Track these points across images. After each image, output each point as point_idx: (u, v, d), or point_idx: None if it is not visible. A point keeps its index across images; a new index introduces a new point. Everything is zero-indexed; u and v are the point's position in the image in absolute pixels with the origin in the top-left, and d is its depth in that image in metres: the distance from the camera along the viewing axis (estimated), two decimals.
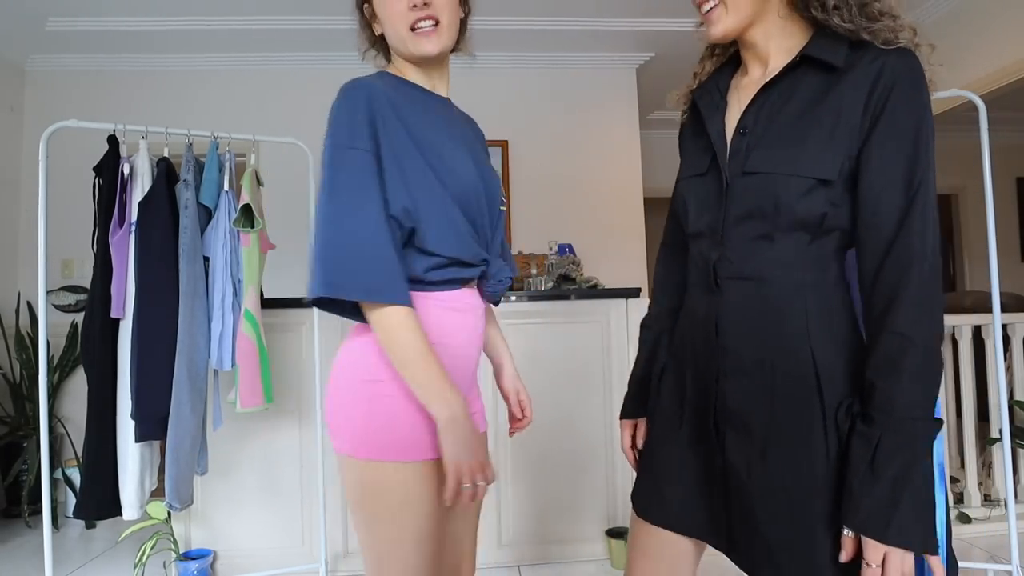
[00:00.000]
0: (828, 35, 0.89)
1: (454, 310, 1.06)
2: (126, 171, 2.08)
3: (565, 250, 3.16)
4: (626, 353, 2.58)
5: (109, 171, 2.09)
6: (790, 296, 0.90)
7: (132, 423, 2.02)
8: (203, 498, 2.48)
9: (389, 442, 0.99)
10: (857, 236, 0.88)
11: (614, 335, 2.59)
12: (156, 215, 2.06)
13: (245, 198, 2.12)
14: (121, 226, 2.06)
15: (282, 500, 2.55)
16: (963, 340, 2.93)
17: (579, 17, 3.63)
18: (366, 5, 1.14)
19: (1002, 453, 2.21)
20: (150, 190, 2.08)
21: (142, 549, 2.35)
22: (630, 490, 1.12)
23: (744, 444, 0.91)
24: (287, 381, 2.50)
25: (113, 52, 3.75)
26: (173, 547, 2.41)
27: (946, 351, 2.97)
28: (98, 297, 2.08)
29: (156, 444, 2.15)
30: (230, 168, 2.19)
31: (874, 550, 0.81)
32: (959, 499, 2.95)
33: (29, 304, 3.53)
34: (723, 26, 0.94)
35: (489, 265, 1.10)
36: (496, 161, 3.80)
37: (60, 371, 3.46)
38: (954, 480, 2.86)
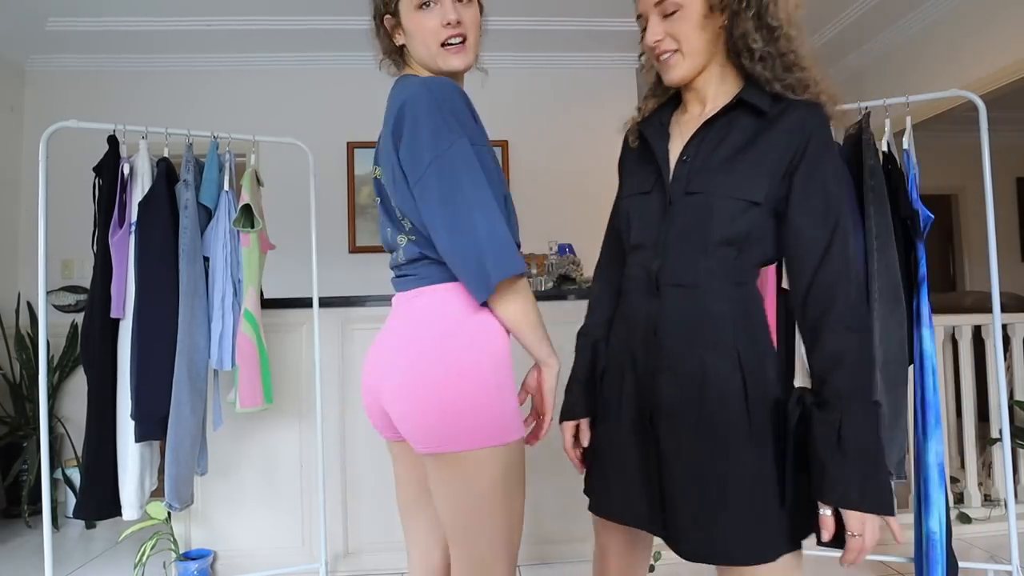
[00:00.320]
0: (756, 85, 1.06)
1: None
2: (126, 171, 2.08)
3: (565, 250, 3.16)
4: None
5: (109, 171, 2.09)
6: (720, 302, 1.03)
7: (132, 423, 2.02)
8: (203, 498, 2.48)
9: (518, 422, 1.11)
10: (788, 260, 1.04)
11: None
12: (156, 215, 2.06)
13: (245, 198, 2.12)
14: (121, 226, 2.06)
15: (282, 500, 2.55)
16: (963, 340, 2.93)
17: (579, 17, 3.63)
18: (387, 16, 1.17)
19: (1002, 453, 2.21)
20: (150, 190, 2.08)
21: (142, 549, 2.35)
22: None
23: (677, 432, 1.03)
24: (287, 381, 2.50)
25: (113, 52, 3.76)
26: (173, 547, 2.41)
27: (946, 351, 2.97)
28: (98, 297, 2.08)
29: (156, 444, 2.15)
30: (230, 168, 2.19)
31: (856, 520, 0.92)
32: (959, 499, 2.95)
33: (29, 304, 3.53)
34: (680, 72, 1.08)
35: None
36: None
37: (60, 371, 3.46)
38: (954, 480, 2.86)
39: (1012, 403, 2.90)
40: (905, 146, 2.11)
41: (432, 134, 1.03)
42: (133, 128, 2.10)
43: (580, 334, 1.26)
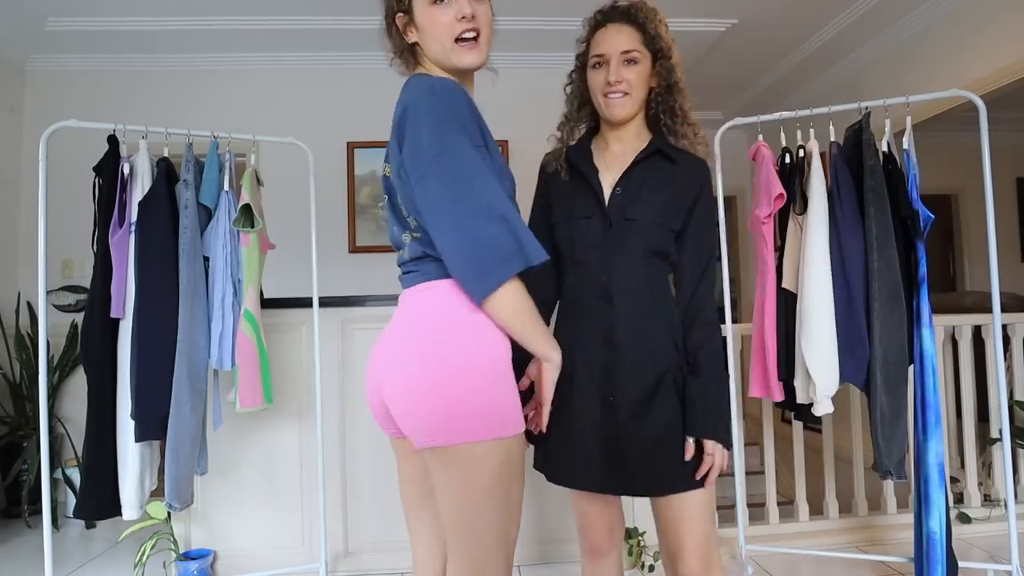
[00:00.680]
0: (663, 137, 1.38)
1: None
2: (126, 171, 2.08)
3: None
4: None
5: (109, 171, 2.09)
6: (653, 303, 1.35)
7: (132, 423, 2.02)
8: (203, 498, 2.48)
9: (518, 416, 1.12)
10: (679, 273, 1.38)
11: None
12: (156, 215, 2.06)
13: (245, 198, 2.12)
14: (121, 226, 2.06)
15: (282, 500, 2.55)
16: (963, 340, 2.93)
17: (579, 17, 3.62)
18: (400, 14, 1.17)
19: (1002, 453, 2.21)
20: (150, 190, 2.08)
21: (142, 549, 2.35)
22: None
23: (631, 407, 1.31)
24: (287, 381, 2.50)
25: (113, 52, 3.75)
26: (173, 547, 2.41)
27: (946, 351, 2.97)
28: (98, 297, 2.08)
29: (156, 444, 2.15)
30: (230, 168, 2.19)
31: (710, 446, 1.30)
32: (959, 499, 2.95)
33: (29, 304, 3.53)
34: (624, 112, 1.36)
35: None
36: None
37: (60, 371, 3.46)
38: (954, 480, 2.86)
39: (1012, 403, 2.90)
40: (905, 146, 2.11)
41: (432, 134, 1.04)
42: (133, 128, 2.10)
43: None
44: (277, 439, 2.55)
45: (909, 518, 2.27)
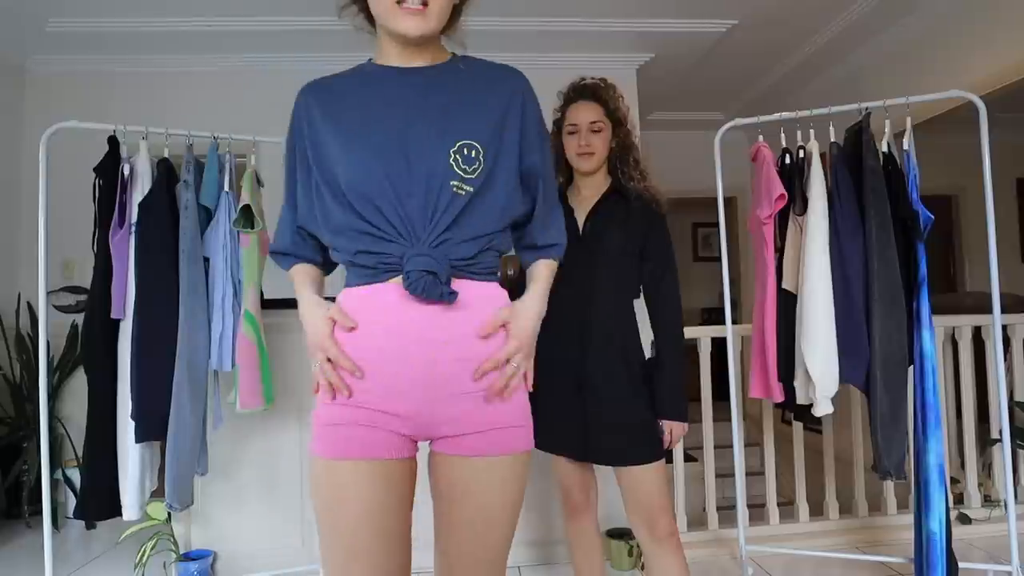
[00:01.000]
0: (620, 181, 1.75)
1: (367, 307, 1.04)
2: (126, 172, 2.08)
3: None
4: None
5: (109, 172, 2.09)
6: (619, 309, 1.71)
7: (132, 424, 2.02)
8: (203, 498, 2.48)
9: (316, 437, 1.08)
10: (644, 282, 1.74)
11: None
12: (156, 216, 2.06)
13: (245, 199, 2.12)
14: (121, 227, 2.06)
15: (282, 500, 2.55)
16: (963, 340, 2.93)
17: (579, 17, 3.63)
18: None
19: (1002, 454, 2.21)
20: (150, 191, 2.08)
21: (142, 550, 2.35)
22: None
23: (597, 393, 1.66)
24: (287, 382, 2.50)
25: (113, 52, 3.75)
26: (173, 548, 2.41)
27: (946, 351, 2.97)
28: (98, 298, 2.08)
29: (156, 444, 2.15)
30: (230, 169, 2.19)
31: (667, 425, 1.69)
32: (959, 499, 2.96)
33: (29, 305, 3.52)
34: (591, 166, 1.75)
35: (405, 254, 1.00)
36: None
37: (60, 372, 3.45)
38: (954, 481, 2.86)
39: (1012, 403, 2.90)
40: (905, 147, 2.11)
41: None
42: (133, 129, 2.10)
43: None
44: (277, 439, 2.55)
45: (909, 519, 2.27)
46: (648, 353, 1.72)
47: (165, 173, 2.11)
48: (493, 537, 1.08)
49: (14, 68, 3.78)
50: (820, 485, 2.89)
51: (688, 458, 3.19)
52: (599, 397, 1.66)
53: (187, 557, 2.43)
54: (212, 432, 2.21)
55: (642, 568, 2.44)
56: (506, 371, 1.05)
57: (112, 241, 2.05)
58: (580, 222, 1.75)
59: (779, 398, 2.18)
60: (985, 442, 2.99)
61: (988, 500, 2.93)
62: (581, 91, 1.77)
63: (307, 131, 1.10)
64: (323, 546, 1.04)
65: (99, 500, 2.08)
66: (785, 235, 2.21)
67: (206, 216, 2.15)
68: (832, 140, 2.16)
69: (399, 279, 1.01)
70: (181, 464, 2.04)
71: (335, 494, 1.01)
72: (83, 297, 3.59)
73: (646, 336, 1.71)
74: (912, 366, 2.09)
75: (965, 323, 2.92)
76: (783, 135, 2.26)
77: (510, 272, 3.01)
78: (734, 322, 2.52)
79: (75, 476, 3.20)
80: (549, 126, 1.76)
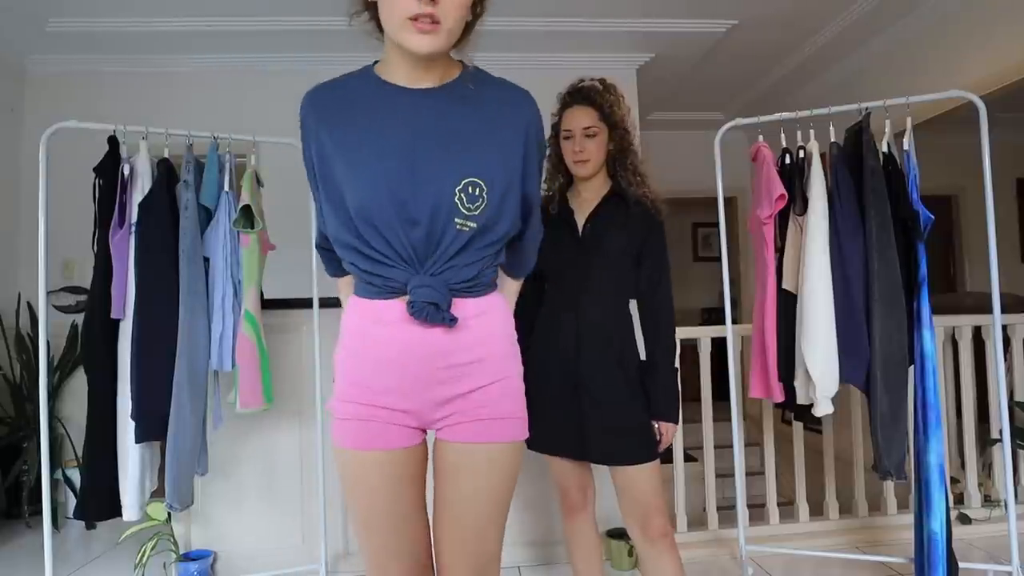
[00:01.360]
0: (619, 185, 1.76)
1: (375, 320, 1.12)
2: (126, 172, 2.08)
3: None
4: None
5: (109, 172, 2.09)
6: (614, 311, 1.72)
7: (132, 424, 2.02)
8: (203, 499, 2.48)
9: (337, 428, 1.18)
10: (639, 286, 1.73)
11: None
12: (156, 216, 2.06)
13: (245, 199, 2.12)
14: (121, 227, 2.06)
15: (282, 500, 2.55)
16: (963, 340, 2.93)
17: (579, 17, 3.63)
18: None
19: (1002, 454, 2.21)
20: (150, 191, 2.08)
21: (142, 550, 2.35)
22: None
23: (592, 394, 1.68)
24: (287, 382, 2.50)
25: (114, 53, 3.75)
26: (173, 548, 2.41)
27: (946, 351, 2.97)
28: (98, 298, 2.08)
29: (156, 444, 2.14)
30: (230, 169, 2.19)
31: (664, 425, 1.71)
32: (959, 499, 2.95)
33: (29, 305, 3.52)
34: (589, 171, 1.75)
35: (409, 282, 1.06)
36: None
37: (60, 372, 3.45)
38: (954, 481, 2.86)
39: (1012, 403, 2.90)
40: (905, 147, 2.11)
41: None
42: (133, 129, 2.10)
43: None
44: (277, 439, 2.55)
45: (909, 519, 2.27)
46: (644, 355, 1.71)
47: (165, 173, 2.10)
48: (480, 516, 1.15)
49: (14, 68, 3.78)
50: (820, 485, 2.89)
51: (688, 458, 3.19)
52: (595, 398, 1.67)
53: (187, 557, 2.43)
54: (212, 432, 2.20)
55: None
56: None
57: (112, 241, 2.05)
58: (580, 224, 1.76)
59: (779, 398, 2.18)
60: (985, 442, 2.99)
61: (988, 500, 2.93)
62: (576, 95, 1.77)
63: (313, 147, 1.12)
64: (351, 518, 1.22)
65: (99, 500, 2.08)
66: (785, 235, 2.21)
67: (206, 216, 2.14)
68: (832, 140, 2.16)
69: (402, 299, 1.09)
70: (181, 464, 2.04)
71: (358, 477, 1.14)
72: (83, 297, 3.59)
73: (641, 338, 1.72)
74: (912, 366, 2.09)
75: (965, 323, 2.92)
76: (783, 135, 2.26)
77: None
78: (734, 322, 2.51)
79: (75, 476, 3.20)
80: (548, 129, 1.77)
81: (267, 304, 2.25)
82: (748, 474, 3.33)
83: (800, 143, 2.23)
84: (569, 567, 1.96)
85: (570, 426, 1.69)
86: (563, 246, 1.73)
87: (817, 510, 2.89)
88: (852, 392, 2.55)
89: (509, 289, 1.33)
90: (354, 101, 1.10)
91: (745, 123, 2.40)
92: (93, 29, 3.48)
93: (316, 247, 1.34)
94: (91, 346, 2.10)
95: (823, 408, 2.07)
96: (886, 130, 2.13)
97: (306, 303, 2.42)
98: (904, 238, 2.07)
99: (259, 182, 2.27)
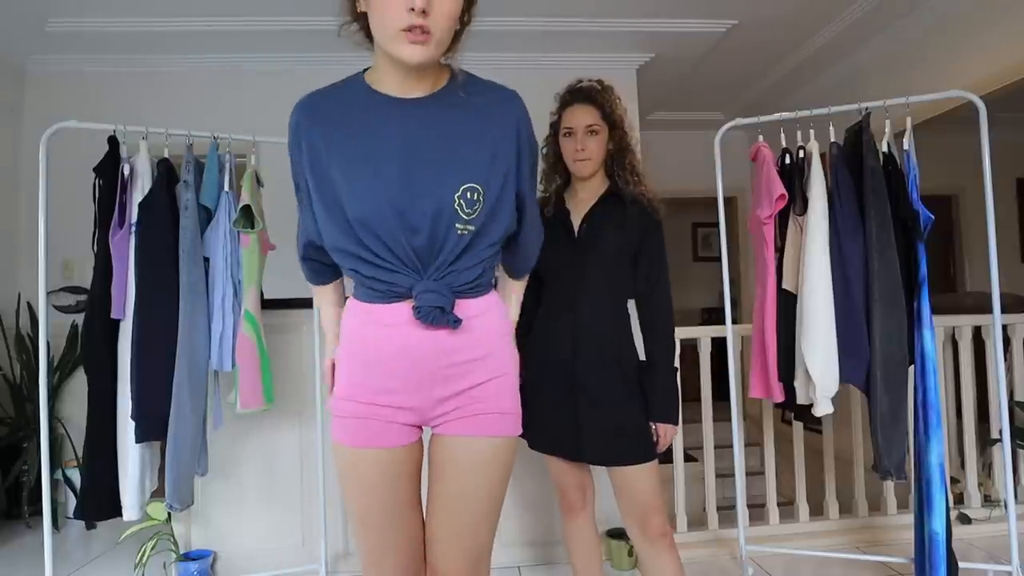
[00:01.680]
0: (616, 185, 1.75)
1: (378, 323, 1.14)
2: (126, 172, 2.08)
3: None
4: None
5: (109, 172, 2.09)
6: (611, 311, 1.70)
7: (132, 424, 2.02)
8: (203, 499, 2.48)
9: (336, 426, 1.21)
10: (637, 286, 1.72)
11: None
12: (156, 216, 2.06)
13: (245, 199, 2.12)
14: (121, 227, 2.06)
15: (282, 500, 2.55)
16: (963, 340, 2.93)
17: (579, 17, 3.63)
18: None
19: (1002, 454, 2.21)
20: (150, 191, 2.08)
21: (142, 550, 2.35)
22: None
23: (589, 394, 1.67)
24: (287, 382, 2.50)
25: (113, 53, 3.75)
26: (173, 548, 2.41)
27: (946, 351, 2.97)
28: (98, 298, 2.08)
29: (156, 444, 2.15)
30: (230, 169, 2.19)
31: (662, 427, 1.69)
32: (959, 499, 2.95)
33: (29, 305, 3.52)
34: (588, 170, 1.75)
35: (414, 287, 1.09)
36: None
37: (60, 372, 3.45)
38: (954, 480, 2.86)
39: (1012, 403, 2.91)
40: (905, 147, 2.11)
41: None
42: (133, 128, 2.10)
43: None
44: (277, 439, 2.55)
45: (909, 519, 2.27)
46: (642, 355, 1.70)
47: (165, 173, 2.10)
48: (474, 511, 1.16)
49: (14, 68, 3.78)
50: (820, 485, 2.89)
51: (688, 458, 3.19)
52: (592, 398, 1.67)
53: (187, 557, 2.43)
54: (212, 432, 2.21)
55: None
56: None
57: (112, 241, 2.05)
58: (576, 224, 1.76)
59: (779, 398, 2.18)
60: (985, 442, 2.99)
61: (988, 500, 2.93)
62: (577, 94, 1.77)
63: (306, 156, 1.13)
64: (348, 514, 1.24)
65: (99, 500, 2.08)
66: (785, 235, 2.21)
67: (206, 216, 2.14)
68: (832, 140, 2.16)
69: (407, 302, 1.11)
70: (181, 464, 2.04)
71: (356, 474, 1.16)
72: (83, 297, 3.59)
73: (640, 338, 1.71)
74: (912, 366, 2.09)
75: (965, 323, 2.92)
76: (783, 135, 2.26)
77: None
78: (734, 322, 2.51)
79: (75, 476, 3.20)
80: (546, 129, 1.79)
81: (267, 304, 2.25)
82: (748, 474, 3.33)
83: (800, 143, 2.23)
84: (569, 567, 1.96)
85: (567, 426, 1.69)
86: (559, 246, 1.72)
87: (817, 510, 2.89)
88: (852, 392, 2.55)
89: (513, 289, 1.35)
90: (348, 111, 1.12)
91: (745, 123, 2.40)
92: (93, 29, 3.48)
93: (301, 259, 1.29)
94: (91, 346, 2.10)
95: (823, 408, 2.07)
96: (886, 130, 2.13)
97: (306, 303, 2.42)
98: (904, 238, 2.07)
99: (259, 182, 2.27)
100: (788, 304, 2.17)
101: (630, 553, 2.51)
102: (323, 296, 1.36)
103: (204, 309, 2.10)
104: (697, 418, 2.84)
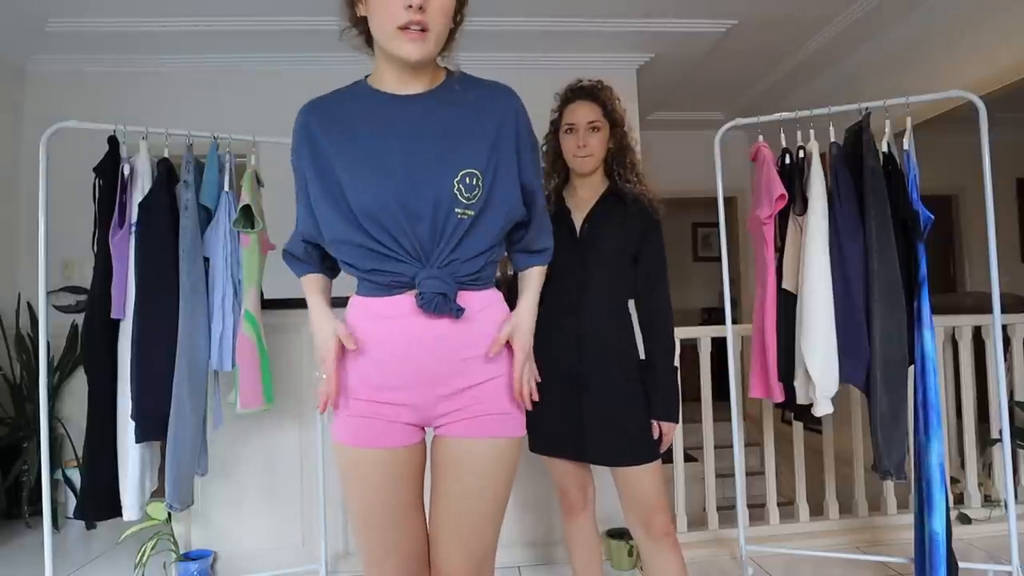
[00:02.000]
0: (616, 184, 1.76)
1: (380, 316, 1.15)
2: (126, 172, 2.08)
3: None
4: None
5: (109, 172, 2.09)
6: (612, 311, 1.71)
7: (132, 424, 2.02)
8: (203, 499, 2.48)
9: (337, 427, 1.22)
10: (637, 293, 1.72)
11: None
12: (156, 216, 2.06)
13: (245, 199, 2.12)
14: (121, 227, 2.06)
15: (282, 500, 2.55)
16: (963, 340, 2.93)
17: (579, 17, 3.63)
18: None
19: (1002, 454, 2.21)
20: (150, 191, 2.08)
21: (142, 550, 2.35)
22: None
23: (595, 392, 1.67)
24: (287, 382, 2.50)
25: (113, 52, 3.75)
26: (173, 548, 2.41)
27: (946, 351, 2.97)
28: (98, 298, 2.08)
29: (156, 444, 2.14)
30: (230, 169, 2.19)
31: (663, 425, 1.69)
32: (959, 499, 2.95)
33: (29, 305, 3.53)
34: (590, 167, 1.75)
35: (417, 275, 1.11)
36: None
37: (60, 372, 3.45)
38: (954, 480, 2.86)
39: (1012, 403, 2.90)
40: (905, 147, 2.11)
41: None
42: (133, 128, 2.10)
43: None
44: (277, 439, 2.55)
45: (909, 519, 2.27)
46: (643, 354, 1.70)
47: (165, 173, 2.10)
48: (479, 513, 1.17)
49: (14, 68, 3.78)
50: (820, 485, 2.89)
51: (688, 458, 3.19)
52: (595, 398, 1.67)
53: (187, 557, 2.43)
54: (212, 432, 2.20)
55: (641, 568, 2.43)
56: (522, 380, 1.20)
57: (112, 241, 2.05)
58: (577, 223, 1.76)
59: (779, 398, 2.18)
60: (985, 442, 2.99)
61: (988, 500, 2.93)
62: (579, 91, 1.78)
63: (308, 154, 1.17)
64: (349, 513, 1.24)
65: (99, 500, 2.08)
66: (785, 235, 2.21)
67: (206, 216, 2.14)
68: (832, 140, 2.16)
69: (409, 293, 1.13)
70: (181, 464, 2.04)
71: (358, 474, 1.17)
72: (83, 297, 3.59)
73: (640, 337, 1.71)
74: (913, 366, 2.09)
75: (965, 323, 2.92)
76: (783, 135, 2.26)
77: (509, 272, 3.01)
78: (734, 322, 2.52)
79: (75, 476, 3.19)
80: (546, 127, 1.80)
81: (267, 304, 2.25)
82: (748, 474, 3.33)
83: (800, 143, 2.23)
84: (569, 567, 1.96)
85: (569, 427, 1.69)
86: (560, 246, 1.70)
87: (817, 510, 2.89)
88: (852, 392, 2.55)
89: (532, 282, 1.33)
90: (351, 111, 1.17)
91: (745, 123, 2.40)
92: (93, 29, 3.48)
93: (286, 253, 1.31)
94: (91, 346, 2.10)
95: (823, 408, 2.07)
96: (886, 130, 2.13)
97: (306, 303, 2.41)
98: (904, 238, 2.07)
99: (259, 182, 2.27)
100: (788, 304, 2.17)
101: (630, 553, 2.51)
102: (310, 286, 1.33)
103: (204, 309, 2.10)
104: (697, 418, 2.84)
